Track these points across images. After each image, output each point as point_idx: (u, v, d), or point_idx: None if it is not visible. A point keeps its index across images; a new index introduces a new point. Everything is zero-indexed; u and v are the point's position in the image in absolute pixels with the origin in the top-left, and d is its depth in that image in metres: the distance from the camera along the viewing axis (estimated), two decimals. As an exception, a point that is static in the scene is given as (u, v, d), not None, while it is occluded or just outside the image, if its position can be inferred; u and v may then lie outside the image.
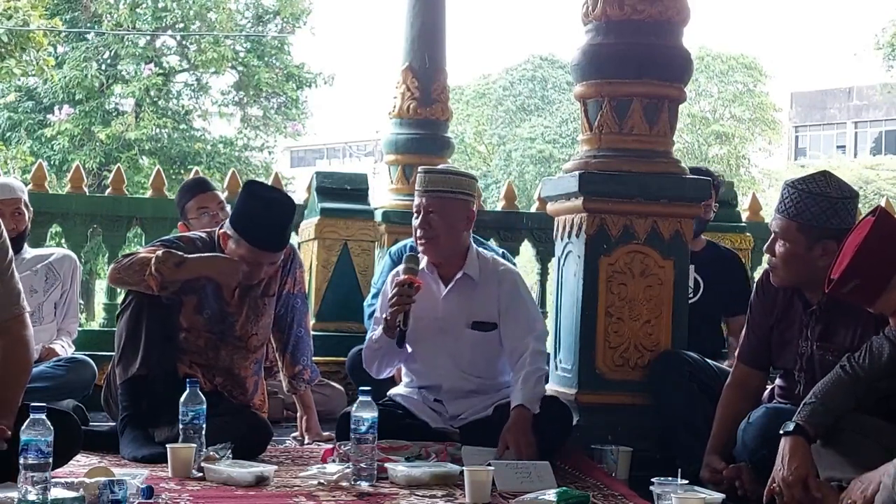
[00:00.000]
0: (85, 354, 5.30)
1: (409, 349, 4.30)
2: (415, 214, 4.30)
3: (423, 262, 4.31)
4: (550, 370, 4.73)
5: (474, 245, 4.42)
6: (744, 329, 4.13)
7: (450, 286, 4.31)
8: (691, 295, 5.17)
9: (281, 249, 4.29)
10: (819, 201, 3.74)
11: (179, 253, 4.19)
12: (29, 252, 5.32)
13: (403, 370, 4.46)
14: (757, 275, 4.90)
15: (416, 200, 4.30)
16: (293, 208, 4.36)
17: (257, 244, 4.20)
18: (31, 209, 5.29)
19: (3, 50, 13.95)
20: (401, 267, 4.27)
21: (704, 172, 5.34)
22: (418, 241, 4.30)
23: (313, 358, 4.69)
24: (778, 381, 4.05)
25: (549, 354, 4.36)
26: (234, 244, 4.22)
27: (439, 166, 4.46)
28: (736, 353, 4.19)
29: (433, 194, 4.26)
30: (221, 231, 4.31)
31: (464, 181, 4.32)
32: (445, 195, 4.26)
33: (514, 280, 4.34)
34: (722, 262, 5.29)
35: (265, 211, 4.20)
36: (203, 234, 4.44)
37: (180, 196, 5.50)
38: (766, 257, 3.94)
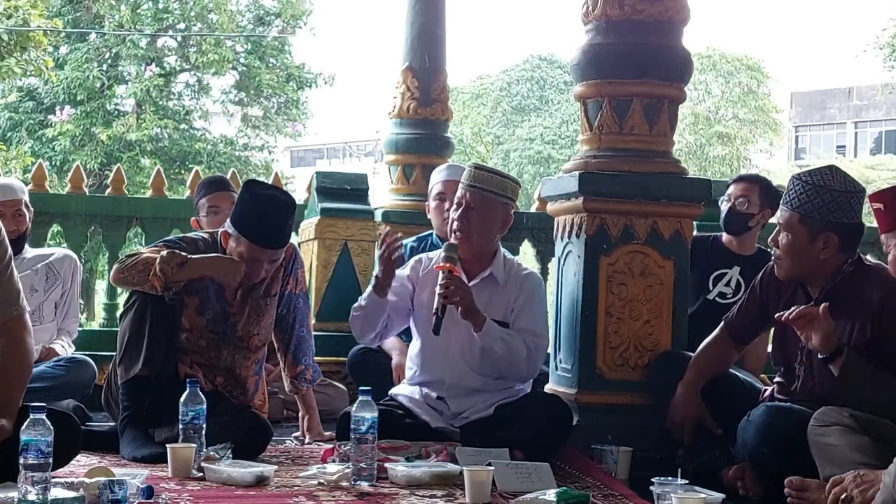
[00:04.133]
0: (85, 354, 5.31)
1: (416, 330, 4.36)
2: (455, 206, 4.34)
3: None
4: (550, 370, 4.74)
5: (502, 248, 4.44)
6: (740, 301, 4.18)
7: (473, 283, 4.32)
8: (729, 296, 5.15)
9: (281, 247, 4.29)
10: (822, 194, 3.77)
11: (183, 253, 4.19)
12: (29, 252, 5.33)
13: (408, 361, 4.47)
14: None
15: (459, 192, 4.35)
16: (293, 206, 4.36)
17: (257, 241, 4.21)
18: (32, 210, 5.30)
19: (3, 49, 13.94)
20: (424, 257, 4.34)
21: (760, 182, 5.31)
22: (452, 233, 4.32)
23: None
24: (777, 378, 4.07)
25: (538, 358, 4.33)
26: (235, 242, 4.23)
27: (489, 165, 4.50)
28: (724, 318, 4.25)
29: (476, 190, 4.31)
30: (222, 230, 4.32)
31: (508, 184, 4.38)
32: (488, 193, 4.30)
33: (534, 286, 4.38)
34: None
35: (264, 208, 4.20)
36: (205, 235, 4.45)
37: (196, 192, 5.52)
38: (772, 249, 3.97)
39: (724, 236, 5.25)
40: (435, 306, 4.16)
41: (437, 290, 4.16)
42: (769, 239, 3.97)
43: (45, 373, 4.85)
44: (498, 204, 4.34)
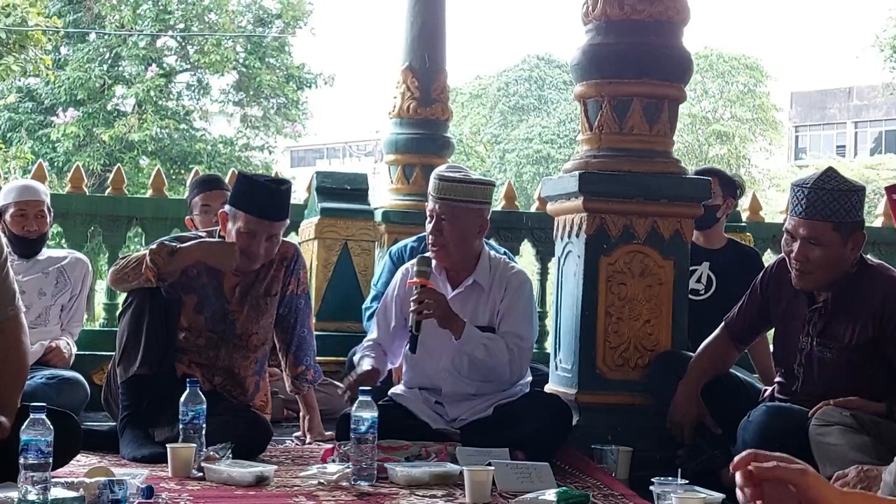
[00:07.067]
0: (85, 353, 5.29)
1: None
2: (428, 218, 4.30)
3: (433, 262, 4.31)
4: (550, 370, 4.74)
5: (486, 249, 4.42)
6: (741, 302, 4.16)
7: (458, 291, 4.30)
8: (702, 292, 5.16)
9: (276, 220, 4.29)
10: (847, 197, 3.75)
11: (173, 244, 4.22)
12: (43, 253, 5.34)
13: (404, 368, 4.46)
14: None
15: (430, 205, 4.31)
16: (289, 185, 4.41)
17: (253, 212, 4.22)
18: (52, 213, 5.35)
19: (1, 48, 13.95)
20: (412, 267, 4.28)
21: (717, 174, 5.35)
22: (430, 247, 4.31)
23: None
24: (777, 379, 4.07)
25: (522, 360, 4.29)
26: (232, 220, 4.26)
27: (453, 172, 4.39)
28: (724, 319, 4.24)
29: (445, 202, 4.25)
30: (221, 212, 4.35)
31: (477, 189, 4.30)
32: (457, 203, 4.25)
33: (520, 284, 4.33)
34: (741, 260, 5.25)
35: (261, 185, 4.27)
36: (203, 234, 4.45)
37: (189, 190, 5.54)
38: (796, 264, 3.85)
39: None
40: (409, 324, 4.16)
41: (410, 307, 4.14)
42: (794, 255, 3.81)
43: (37, 391, 4.74)
44: (469, 211, 4.27)
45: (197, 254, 4.23)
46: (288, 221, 4.41)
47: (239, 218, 4.23)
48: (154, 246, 4.20)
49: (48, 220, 5.27)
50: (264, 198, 4.25)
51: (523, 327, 4.27)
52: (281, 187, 4.31)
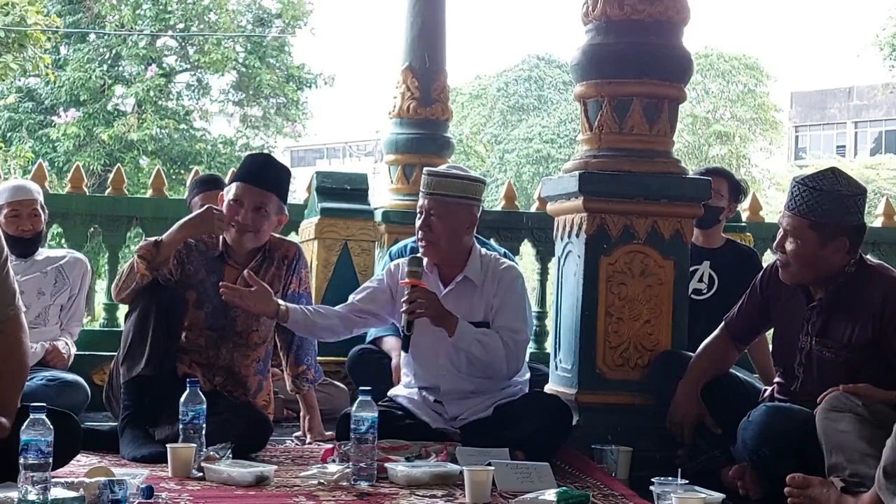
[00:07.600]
0: (85, 354, 5.28)
1: (409, 354, 4.33)
2: (418, 215, 4.31)
3: (425, 261, 4.31)
4: (550, 370, 4.74)
5: (478, 245, 4.42)
6: (740, 301, 4.16)
7: (450, 287, 4.31)
8: (704, 291, 5.17)
9: (262, 188, 4.33)
10: (831, 198, 3.74)
11: (153, 238, 4.31)
12: (41, 253, 5.34)
13: (403, 370, 4.47)
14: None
15: (420, 201, 4.32)
16: (287, 169, 4.54)
17: (240, 178, 4.36)
18: (47, 211, 5.35)
19: (0, 47, 13.95)
20: (402, 263, 4.28)
21: (727, 177, 5.38)
22: (419, 242, 4.31)
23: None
24: (777, 379, 4.07)
25: (518, 354, 4.29)
26: (226, 195, 4.38)
27: (444, 168, 4.43)
28: (724, 318, 4.25)
29: (435, 197, 4.26)
30: (220, 194, 4.47)
31: (468, 185, 4.31)
32: (447, 199, 4.26)
33: (512, 278, 4.32)
34: (740, 259, 5.28)
35: (255, 154, 4.57)
36: (203, 235, 4.45)
37: (189, 190, 5.55)
38: (776, 254, 3.94)
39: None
40: (401, 324, 4.16)
41: (402, 307, 4.14)
42: (774, 245, 3.93)
43: (37, 392, 4.72)
44: (460, 207, 4.27)
45: (180, 233, 4.29)
46: (282, 204, 4.41)
47: (231, 189, 4.37)
48: (137, 247, 4.30)
49: (42, 218, 5.27)
50: (254, 166, 4.43)
51: (517, 321, 4.27)
52: (275, 160, 4.54)
